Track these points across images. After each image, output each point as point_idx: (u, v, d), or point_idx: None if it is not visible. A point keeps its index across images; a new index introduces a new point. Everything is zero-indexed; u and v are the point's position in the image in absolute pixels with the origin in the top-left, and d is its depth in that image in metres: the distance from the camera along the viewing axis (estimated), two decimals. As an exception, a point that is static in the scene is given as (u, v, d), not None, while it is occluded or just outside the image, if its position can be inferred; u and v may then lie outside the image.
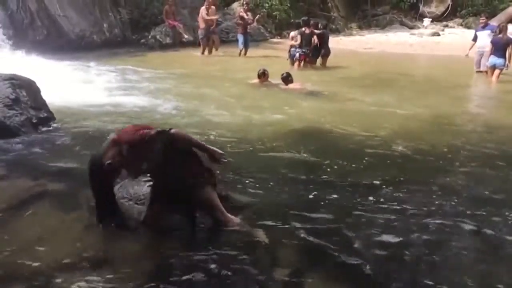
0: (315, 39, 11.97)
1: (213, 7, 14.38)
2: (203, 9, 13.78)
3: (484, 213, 3.71)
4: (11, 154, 4.85)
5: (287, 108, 7.34)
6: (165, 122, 5.90)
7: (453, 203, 3.89)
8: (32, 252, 2.98)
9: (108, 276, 2.77)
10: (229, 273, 2.81)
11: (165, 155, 3.01)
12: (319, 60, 12.32)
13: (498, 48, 10.60)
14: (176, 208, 3.30)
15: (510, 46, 10.47)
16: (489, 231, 3.42)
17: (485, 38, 11.34)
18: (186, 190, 3.12)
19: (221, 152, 3.26)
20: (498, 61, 10.61)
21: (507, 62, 10.53)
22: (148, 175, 3.35)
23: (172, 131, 3.03)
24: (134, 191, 3.72)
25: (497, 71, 10.58)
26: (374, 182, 4.28)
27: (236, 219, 3.31)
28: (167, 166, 3.05)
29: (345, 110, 7.40)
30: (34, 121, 5.63)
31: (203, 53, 13.75)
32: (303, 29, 12.04)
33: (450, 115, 7.31)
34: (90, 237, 3.16)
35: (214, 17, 13.99)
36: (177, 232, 3.29)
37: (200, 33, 13.83)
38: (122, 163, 3.00)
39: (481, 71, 11.50)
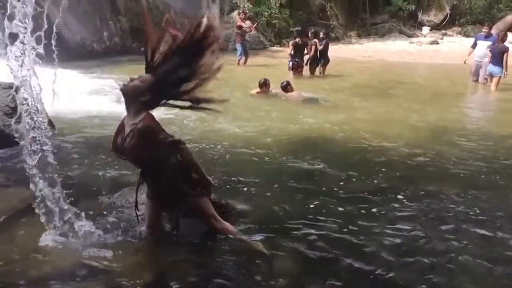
0: (308, 49, 12.03)
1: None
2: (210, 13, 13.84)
3: (492, 222, 3.69)
4: (10, 162, 4.84)
5: (290, 117, 7.35)
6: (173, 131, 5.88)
7: (459, 212, 3.88)
8: (31, 261, 2.97)
9: (107, 285, 2.76)
10: (225, 282, 2.80)
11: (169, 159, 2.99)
12: (318, 69, 12.35)
13: (494, 56, 10.68)
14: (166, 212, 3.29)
15: (506, 54, 10.49)
16: (496, 245, 3.38)
17: (484, 49, 11.21)
18: (180, 197, 3.11)
19: (211, 182, 3.20)
20: (494, 69, 10.67)
21: (504, 70, 10.55)
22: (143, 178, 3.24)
23: (182, 146, 2.99)
24: (133, 199, 3.70)
25: (495, 79, 10.62)
26: (378, 191, 4.27)
27: (231, 227, 3.31)
28: (166, 170, 3.02)
29: (348, 119, 7.40)
30: (34, 129, 5.62)
31: None
32: (297, 39, 12.12)
33: (454, 125, 7.30)
34: (89, 246, 3.15)
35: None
36: (174, 241, 3.28)
37: None
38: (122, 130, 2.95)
39: (477, 80, 11.47)
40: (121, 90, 2.94)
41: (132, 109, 2.92)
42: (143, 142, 2.86)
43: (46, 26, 3.01)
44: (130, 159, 3.09)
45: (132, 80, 2.93)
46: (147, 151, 2.91)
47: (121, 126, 2.99)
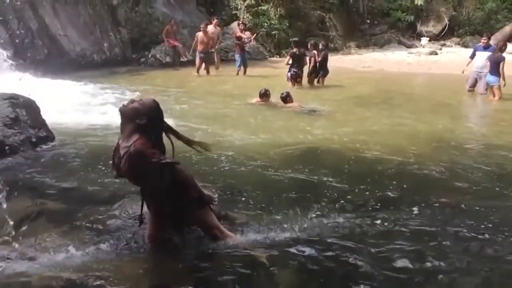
0: (307, 60, 12.06)
1: (218, 27, 14.61)
2: (205, 27, 14.04)
3: (499, 237, 3.63)
4: (10, 173, 4.83)
5: (292, 128, 7.36)
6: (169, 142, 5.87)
7: (462, 224, 3.82)
8: (30, 272, 2.94)
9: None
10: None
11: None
12: (316, 79, 12.36)
13: (491, 65, 10.69)
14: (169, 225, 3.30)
15: (502, 64, 10.49)
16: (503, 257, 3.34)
17: (483, 60, 11.15)
18: (180, 211, 3.13)
19: (213, 197, 3.27)
20: (491, 78, 10.68)
21: (501, 79, 10.53)
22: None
23: (178, 167, 3.04)
24: (133, 210, 3.70)
25: (496, 89, 10.59)
26: (382, 203, 4.22)
27: (235, 237, 3.32)
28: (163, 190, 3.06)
29: (349, 129, 7.37)
30: (34, 140, 5.62)
31: (198, 72, 13.76)
32: (294, 50, 12.17)
33: (459, 135, 7.29)
34: (88, 256, 3.14)
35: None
36: (175, 251, 3.27)
37: (198, 52, 13.86)
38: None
39: (472, 90, 11.46)
40: (120, 110, 2.97)
41: (126, 130, 2.96)
42: (136, 166, 2.91)
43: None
44: (127, 179, 3.16)
45: (132, 101, 2.95)
46: (141, 173, 2.97)
47: (117, 147, 3.03)
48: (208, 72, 13.89)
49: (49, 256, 3.12)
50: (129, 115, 2.94)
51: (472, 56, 11.69)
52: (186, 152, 5.69)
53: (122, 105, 2.99)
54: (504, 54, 10.84)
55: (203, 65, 13.77)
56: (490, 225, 3.81)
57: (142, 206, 3.21)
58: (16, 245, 3.27)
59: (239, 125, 7.46)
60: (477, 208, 4.20)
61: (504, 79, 10.50)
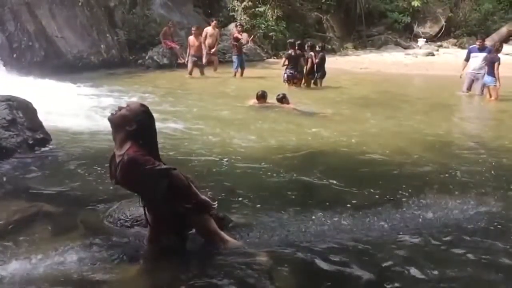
0: (302, 61, 12.05)
1: (216, 29, 14.65)
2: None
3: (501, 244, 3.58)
4: (6, 175, 4.81)
5: (292, 130, 7.34)
6: (172, 145, 5.88)
7: (467, 227, 3.80)
8: (25, 275, 2.93)
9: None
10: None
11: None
12: (313, 81, 12.35)
13: (488, 65, 10.71)
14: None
15: (496, 64, 10.50)
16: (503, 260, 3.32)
17: (480, 62, 11.11)
18: (179, 216, 3.11)
19: (211, 203, 3.21)
20: (487, 78, 10.71)
21: (496, 79, 10.54)
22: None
23: (174, 172, 3.00)
24: (130, 212, 3.69)
25: (493, 90, 10.61)
26: (384, 204, 4.20)
27: (234, 241, 3.30)
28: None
29: (348, 131, 7.32)
30: (31, 142, 5.61)
31: (190, 74, 13.71)
32: (290, 51, 12.18)
33: (461, 137, 7.28)
34: (86, 259, 3.12)
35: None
36: (174, 254, 3.25)
37: (190, 55, 13.85)
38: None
39: (465, 93, 11.43)
40: (109, 119, 2.97)
41: (118, 139, 2.94)
42: (130, 174, 2.89)
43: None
44: (124, 187, 3.15)
45: (120, 109, 2.94)
46: (136, 181, 2.95)
47: (113, 155, 3.02)
48: (202, 73, 13.86)
49: (44, 258, 3.10)
50: (118, 122, 2.93)
51: (467, 58, 11.59)
52: (187, 154, 5.73)
53: (111, 113, 2.98)
54: (500, 55, 10.87)
55: (198, 68, 13.78)
56: (499, 227, 3.81)
57: (144, 209, 3.19)
58: (12, 248, 3.25)
59: (240, 126, 7.46)
60: (480, 211, 4.17)
61: (498, 80, 10.50)
